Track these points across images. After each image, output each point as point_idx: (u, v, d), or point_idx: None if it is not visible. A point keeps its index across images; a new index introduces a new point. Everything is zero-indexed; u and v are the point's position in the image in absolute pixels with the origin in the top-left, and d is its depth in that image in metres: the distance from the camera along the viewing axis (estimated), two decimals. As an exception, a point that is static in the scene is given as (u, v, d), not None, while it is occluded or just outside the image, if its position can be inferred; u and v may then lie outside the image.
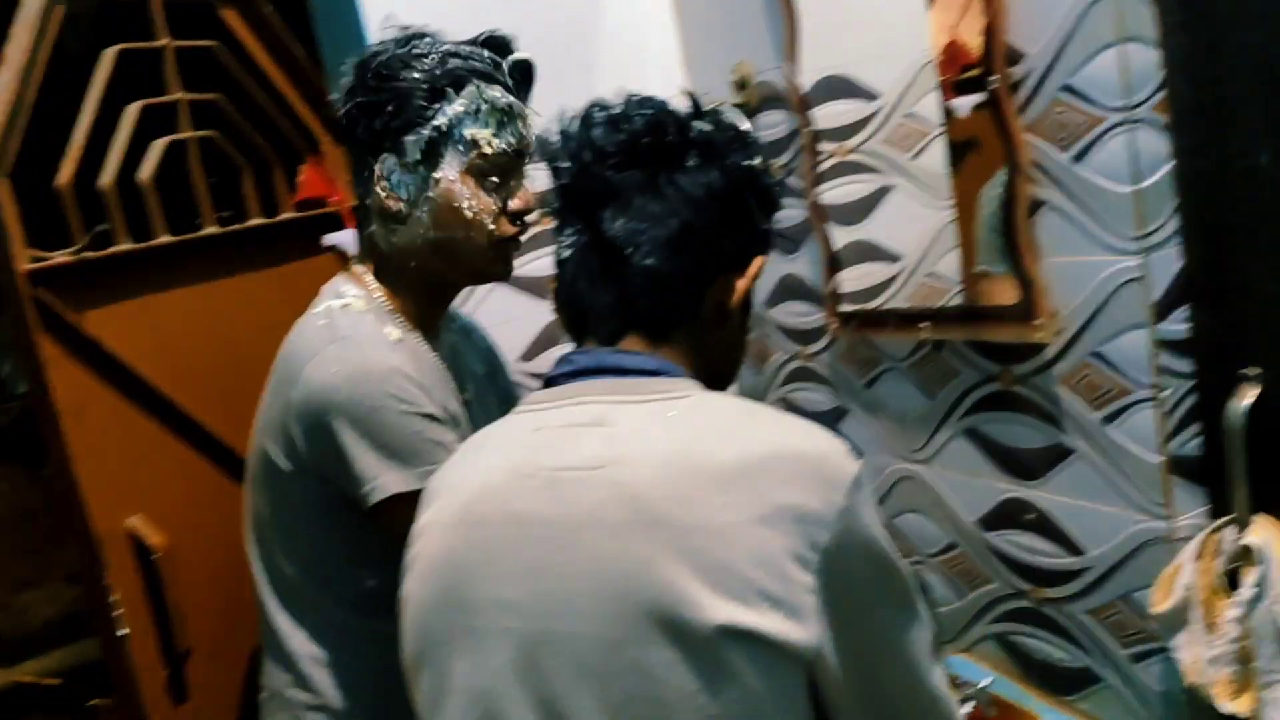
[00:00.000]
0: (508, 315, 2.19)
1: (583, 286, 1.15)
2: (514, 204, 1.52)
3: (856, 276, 1.96)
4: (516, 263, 2.14)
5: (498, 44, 1.53)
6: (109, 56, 1.81)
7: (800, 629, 0.97)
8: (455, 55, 1.47)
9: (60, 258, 1.72)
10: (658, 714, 0.98)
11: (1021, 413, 1.72)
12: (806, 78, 1.94)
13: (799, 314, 2.16)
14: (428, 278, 1.54)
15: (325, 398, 1.41)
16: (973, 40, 1.62)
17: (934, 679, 1.10)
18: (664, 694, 0.98)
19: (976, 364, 1.77)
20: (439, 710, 1.09)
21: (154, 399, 1.85)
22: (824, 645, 0.98)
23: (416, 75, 1.45)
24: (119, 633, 1.77)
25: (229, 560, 1.88)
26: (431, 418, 1.44)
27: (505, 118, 1.50)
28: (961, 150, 1.69)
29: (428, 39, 1.50)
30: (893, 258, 1.88)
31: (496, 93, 1.48)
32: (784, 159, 2.09)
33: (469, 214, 1.48)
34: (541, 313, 2.24)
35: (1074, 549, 1.69)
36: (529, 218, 1.55)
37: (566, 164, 1.16)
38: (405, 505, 1.35)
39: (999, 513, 1.81)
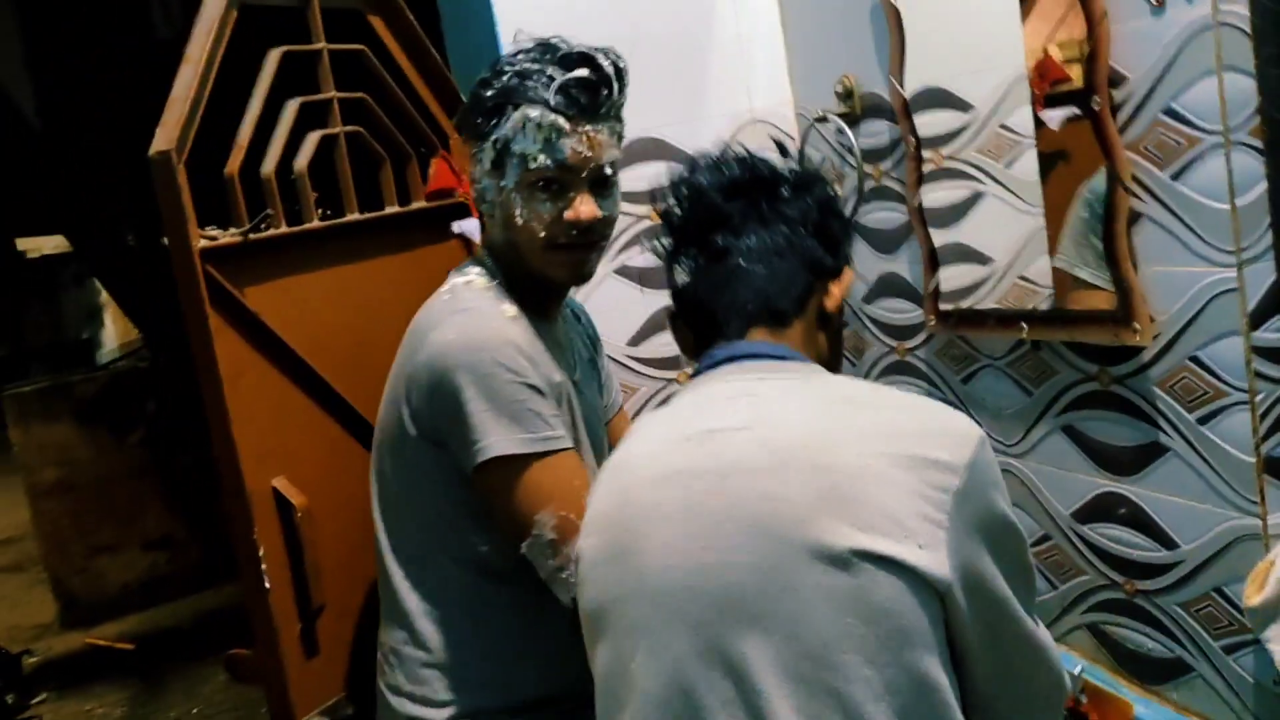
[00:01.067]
0: (617, 303, 2.31)
1: (705, 297, 1.35)
2: (567, 214, 1.61)
3: (951, 276, 2.05)
4: (624, 256, 2.27)
5: (567, 61, 1.60)
6: (273, 58, 1.94)
7: (934, 561, 1.08)
8: (522, 75, 1.59)
9: (228, 238, 1.85)
10: (811, 634, 1.08)
11: (1118, 411, 1.79)
12: (910, 88, 2.04)
13: (897, 310, 2.26)
14: (514, 268, 1.67)
15: (445, 359, 1.53)
16: (1065, 57, 1.72)
17: (1042, 630, 1.22)
18: (815, 616, 1.08)
19: (1074, 364, 1.85)
20: (625, 652, 1.20)
21: (299, 369, 1.97)
22: (954, 582, 1.09)
23: (488, 93, 1.61)
24: (263, 586, 1.89)
25: (359, 522, 2.00)
26: (536, 390, 1.53)
27: (553, 135, 1.58)
28: (1052, 160, 1.78)
29: (533, 51, 1.61)
30: (985, 260, 1.97)
31: (536, 112, 1.57)
32: (886, 165, 2.19)
33: (520, 220, 1.61)
34: (648, 301, 2.36)
35: (1167, 543, 1.76)
36: (591, 225, 1.62)
37: (678, 204, 1.39)
38: (507, 466, 1.52)
39: (1093, 506, 1.88)
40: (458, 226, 2.23)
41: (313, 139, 2.00)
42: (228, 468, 1.87)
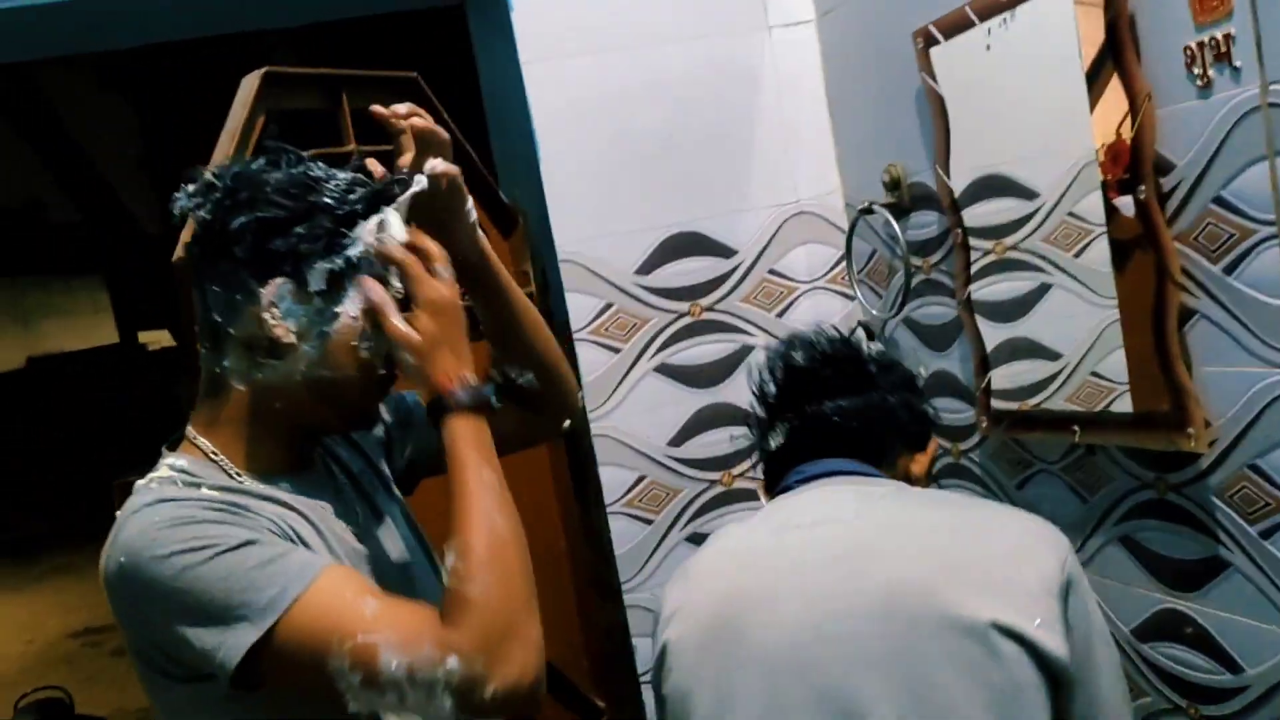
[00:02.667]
0: (657, 402, 2.26)
1: (802, 457, 1.46)
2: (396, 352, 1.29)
3: (1011, 374, 1.95)
4: (665, 354, 2.22)
5: (362, 171, 1.34)
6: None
7: (1053, 640, 1.19)
8: (361, 181, 1.31)
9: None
10: (938, 699, 1.17)
11: (1177, 522, 1.69)
12: (960, 177, 1.96)
13: (949, 410, 2.16)
14: (293, 419, 1.33)
15: (124, 572, 1.17)
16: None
17: None
18: (942, 682, 1.17)
19: (1130, 470, 1.75)
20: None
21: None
22: (1069, 660, 1.19)
23: (327, 199, 1.27)
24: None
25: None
26: (248, 545, 1.16)
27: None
28: (1126, 249, 1.68)
29: (317, 163, 1.32)
30: (1052, 355, 1.87)
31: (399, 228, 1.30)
32: (935, 258, 2.11)
33: (365, 355, 1.29)
34: (689, 401, 2.30)
35: (1231, 666, 1.65)
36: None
37: (772, 378, 1.51)
38: (266, 658, 1.15)
39: (1154, 624, 1.78)
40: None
41: (342, 240, 1.99)
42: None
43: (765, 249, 2.35)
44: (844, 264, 2.35)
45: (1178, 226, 1.56)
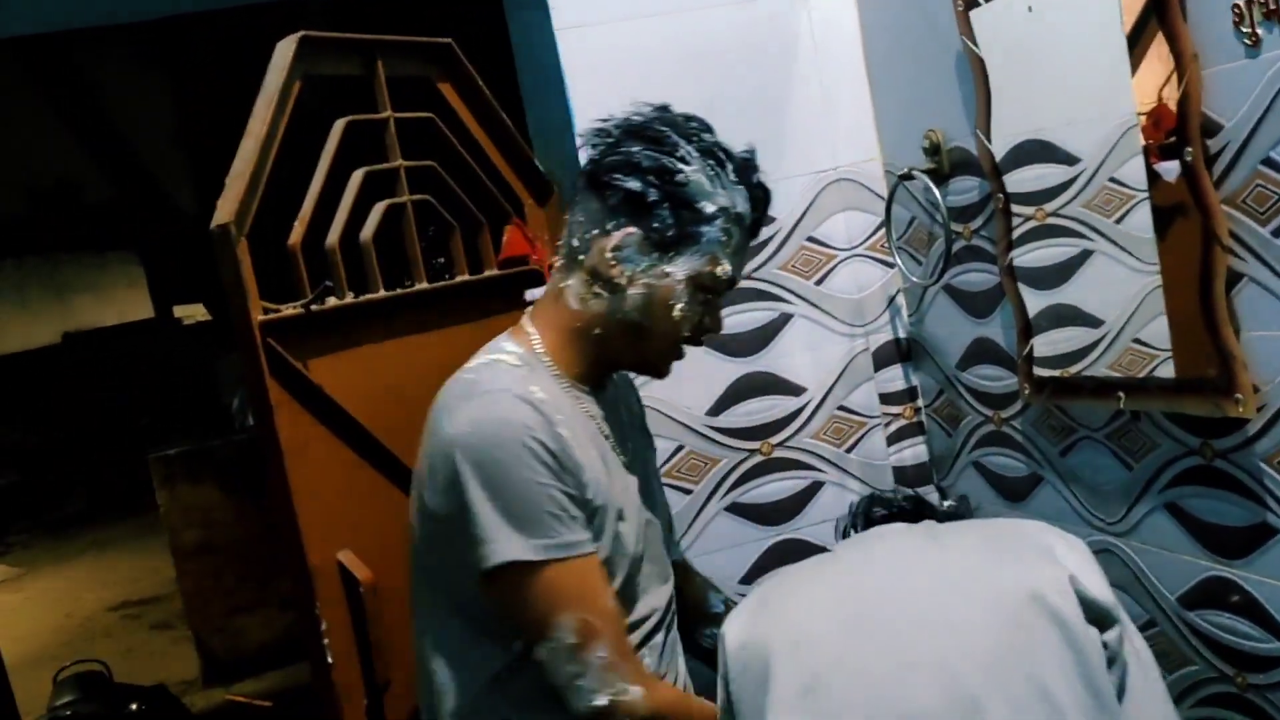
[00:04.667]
0: (698, 370, 2.24)
1: None
2: (709, 322, 1.58)
3: (1053, 341, 1.93)
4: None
5: (745, 173, 1.54)
6: (338, 129, 1.94)
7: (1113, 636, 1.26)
8: (711, 175, 1.50)
9: (289, 310, 1.85)
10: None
11: (1224, 488, 1.67)
12: (1001, 142, 1.94)
13: (991, 378, 2.15)
14: (604, 347, 1.56)
15: (458, 449, 1.43)
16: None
17: None
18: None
19: (1176, 436, 1.73)
20: None
21: (366, 441, 1.95)
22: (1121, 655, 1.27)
23: (696, 169, 1.48)
24: (326, 660, 1.86)
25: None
26: (558, 489, 1.43)
27: (743, 246, 1.56)
28: (1168, 215, 1.66)
29: (704, 144, 1.51)
30: (1094, 322, 1.85)
31: (733, 224, 1.52)
32: (975, 224, 2.08)
33: (677, 315, 1.52)
34: (729, 369, 2.29)
35: (1279, 634, 1.63)
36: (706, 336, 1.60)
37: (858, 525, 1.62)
38: (515, 575, 1.41)
39: (1200, 591, 1.76)
40: (531, 295, 2.20)
41: (378, 209, 1.99)
42: (290, 541, 1.86)
43: (804, 216, 2.32)
44: (883, 231, 2.33)
45: (1225, 189, 1.53)
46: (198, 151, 8.49)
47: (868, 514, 1.61)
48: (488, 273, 2.19)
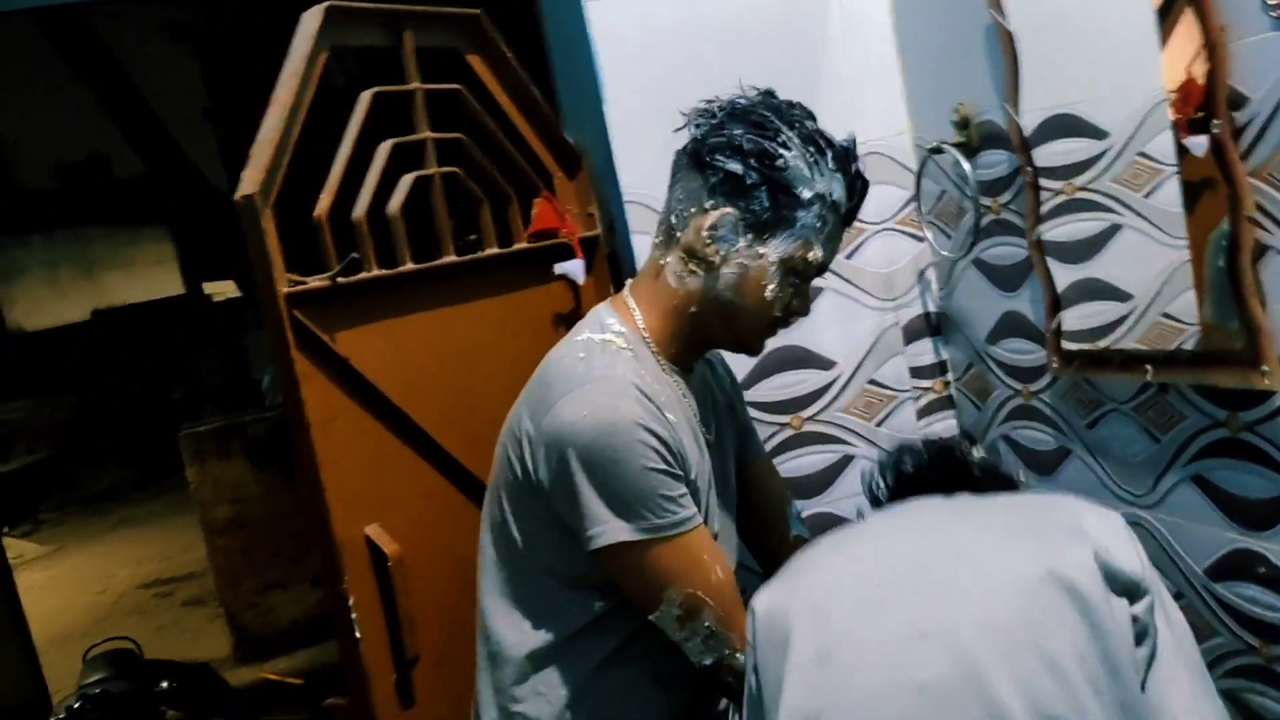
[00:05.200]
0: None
1: None
2: (797, 304, 1.60)
3: (1082, 315, 1.92)
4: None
5: (844, 161, 1.57)
6: (365, 100, 1.93)
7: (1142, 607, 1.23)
8: (811, 161, 1.53)
9: (316, 282, 1.85)
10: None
11: (1251, 461, 1.65)
12: (1030, 116, 1.92)
13: (1019, 351, 2.13)
14: (699, 326, 1.60)
15: (570, 438, 1.46)
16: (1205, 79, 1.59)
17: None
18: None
19: (1203, 409, 1.72)
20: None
21: (394, 414, 1.96)
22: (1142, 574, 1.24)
23: (796, 155, 1.52)
24: (354, 635, 1.87)
25: (455, 572, 1.97)
26: (663, 471, 1.47)
27: (834, 236, 1.59)
28: (1197, 189, 1.65)
29: (804, 130, 1.54)
30: (1123, 297, 1.84)
31: (829, 210, 1.55)
32: (1004, 198, 2.07)
33: (768, 296, 1.56)
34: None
35: (1306, 606, 1.61)
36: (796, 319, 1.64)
37: (884, 483, 1.61)
38: (624, 554, 1.47)
39: (1227, 563, 1.75)
40: (560, 268, 2.20)
41: (406, 182, 1.99)
42: (316, 515, 1.87)
43: (833, 189, 2.30)
44: (913, 204, 2.32)
45: (1252, 162, 1.52)
46: (228, 126, 8.51)
47: (897, 465, 1.59)
48: (516, 245, 2.19)
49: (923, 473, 1.57)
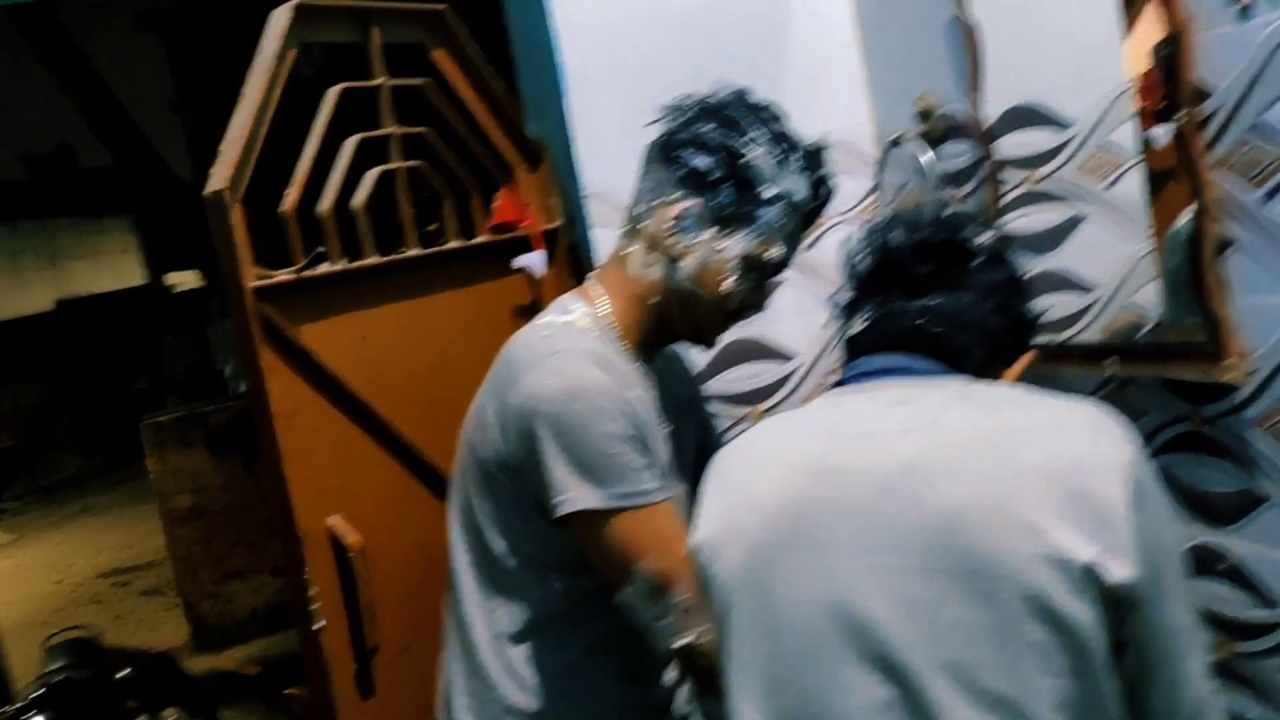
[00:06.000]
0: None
1: (875, 350, 1.33)
2: (754, 299, 1.63)
3: (1043, 307, 1.92)
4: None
5: (812, 162, 1.60)
6: (332, 95, 1.94)
7: (1120, 567, 1.05)
8: (778, 158, 1.56)
9: (282, 276, 1.85)
10: (983, 639, 1.07)
11: (1212, 455, 1.67)
12: (993, 107, 1.93)
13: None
14: (660, 316, 1.62)
15: (536, 406, 1.48)
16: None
17: (1202, 660, 1.16)
18: (989, 620, 1.07)
19: (1165, 403, 1.73)
20: (761, 640, 1.20)
21: (356, 407, 1.96)
22: (1136, 587, 1.06)
23: (762, 153, 1.55)
24: (315, 625, 1.88)
25: (418, 562, 1.99)
26: (630, 440, 1.49)
27: (798, 232, 1.61)
28: (1160, 181, 1.67)
29: (771, 128, 1.57)
30: (1085, 288, 1.86)
31: (791, 210, 1.57)
32: (966, 189, 2.08)
33: (727, 289, 1.58)
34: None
35: (1267, 601, 1.63)
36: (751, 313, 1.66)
37: (869, 256, 1.37)
38: (591, 520, 1.48)
39: (1190, 559, 1.73)
40: (520, 261, 2.20)
41: (371, 175, 1.99)
42: (279, 504, 1.87)
43: (794, 182, 2.30)
44: (875, 196, 2.33)
45: (1215, 155, 1.53)
46: (193, 117, 8.45)
47: (884, 239, 1.36)
48: (478, 238, 2.19)
49: (911, 256, 1.34)
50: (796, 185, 1.57)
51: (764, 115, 1.58)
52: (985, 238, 1.35)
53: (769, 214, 1.56)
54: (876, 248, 1.36)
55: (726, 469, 1.32)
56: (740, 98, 1.59)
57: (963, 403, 1.22)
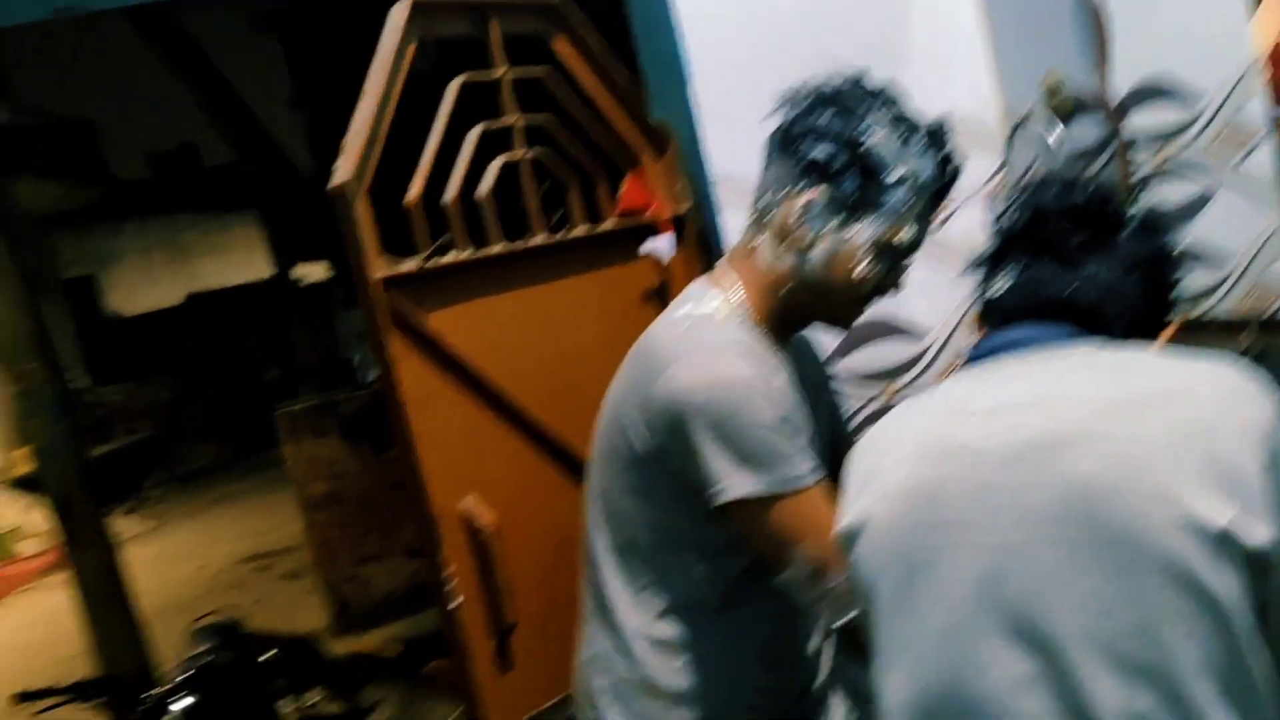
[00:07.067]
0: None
1: (1014, 317, 1.30)
2: (891, 281, 1.62)
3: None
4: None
5: (937, 141, 1.59)
6: (454, 88, 1.98)
7: (1260, 528, 1.02)
8: (903, 140, 1.55)
9: (408, 265, 1.90)
10: (1122, 609, 1.05)
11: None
12: (1120, 82, 1.90)
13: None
14: (792, 304, 1.63)
15: (687, 400, 1.49)
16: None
17: None
18: (1128, 589, 1.05)
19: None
20: (904, 624, 1.19)
21: (486, 391, 2.00)
22: (1275, 545, 1.03)
23: (883, 138, 1.54)
24: (452, 603, 1.93)
25: (551, 541, 2.02)
26: (783, 428, 1.50)
27: (926, 217, 1.60)
28: (1293, 154, 1.64)
29: (893, 112, 1.56)
30: (1219, 260, 1.83)
31: (920, 191, 1.56)
32: (1095, 167, 2.05)
33: (859, 275, 1.58)
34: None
35: None
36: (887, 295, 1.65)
37: (1020, 215, 1.33)
38: (750, 507, 1.50)
39: None
40: (647, 246, 2.22)
41: (495, 166, 2.03)
42: (414, 488, 1.92)
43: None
44: (1003, 175, 2.31)
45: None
46: (313, 114, 8.65)
47: (1037, 198, 1.33)
48: (604, 225, 2.22)
49: (1062, 219, 1.31)
50: (921, 166, 1.56)
51: (881, 99, 1.56)
52: (1139, 207, 1.33)
53: (895, 197, 1.54)
54: (1029, 207, 1.32)
55: (862, 457, 1.32)
56: (856, 83, 1.58)
57: (1090, 370, 1.19)
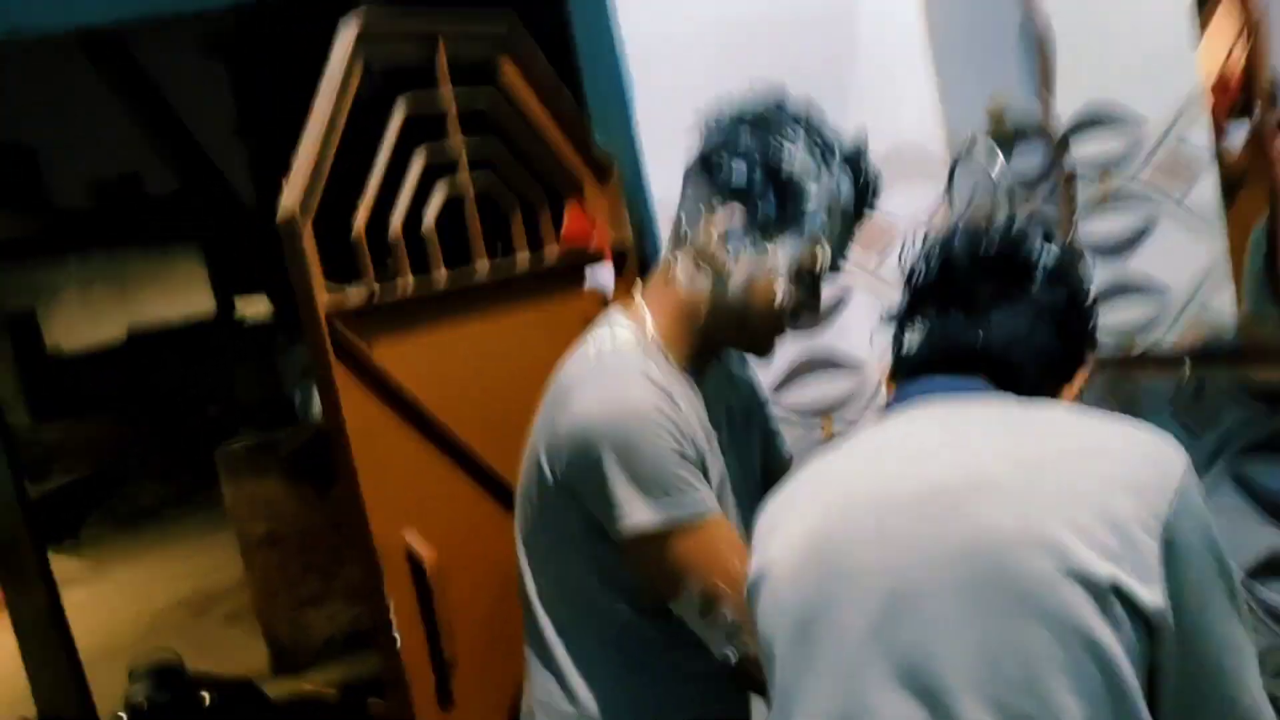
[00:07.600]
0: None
1: (928, 368, 1.30)
2: (809, 304, 1.61)
3: (1119, 311, 1.90)
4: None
5: (854, 163, 1.58)
6: (401, 105, 1.95)
7: (1148, 591, 1.02)
8: (820, 160, 1.54)
9: (354, 295, 1.87)
10: (1011, 659, 1.04)
11: (1287, 459, 1.63)
12: (1064, 109, 1.92)
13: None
14: (710, 327, 1.61)
15: (587, 428, 1.50)
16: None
17: (1254, 679, 1.11)
18: (1018, 639, 1.04)
19: (1245, 406, 1.71)
20: (800, 672, 1.17)
21: (430, 426, 1.97)
22: (1167, 613, 1.03)
23: (802, 157, 1.53)
24: (393, 640, 1.89)
25: (493, 578, 1.98)
26: (682, 457, 1.50)
27: (846, 234, 1.59)
28: (1235, 182, 1.65)
29: (810, 132, 1.55)
30: (1160, 292, 1.83)
31: (838, 213, 1.56)
32: (1039, 193, 2.06)
33: (778, 296, 1.56)
34: (788, 349, 2.27)
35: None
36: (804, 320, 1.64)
37: (929, 268, 1.33)
38: (647, 540, 1.49)
39: (1266, 563, 1.74)
40: (593, 278, 2.20)
41: (441, 188, 2.00)
42: (356, 524, 1.88)
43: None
44: (946, 201, 2.30)
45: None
46: (258, 142, 8.57)
47: (945, 250, 1.33)
48: (548, 255, 2.20)
49: (973, 270, 1.31)
50: (840, 184, 1.55)
51: (800, 120, 1.56)
52: (1049, 253, 1.31)
53: (814, 217, 1.54)
54: (937, 260, 1.33)
55: (770, 507, 1.32)
56: (776, 105, 1.58)
57: (1003, 422, 1.20)
